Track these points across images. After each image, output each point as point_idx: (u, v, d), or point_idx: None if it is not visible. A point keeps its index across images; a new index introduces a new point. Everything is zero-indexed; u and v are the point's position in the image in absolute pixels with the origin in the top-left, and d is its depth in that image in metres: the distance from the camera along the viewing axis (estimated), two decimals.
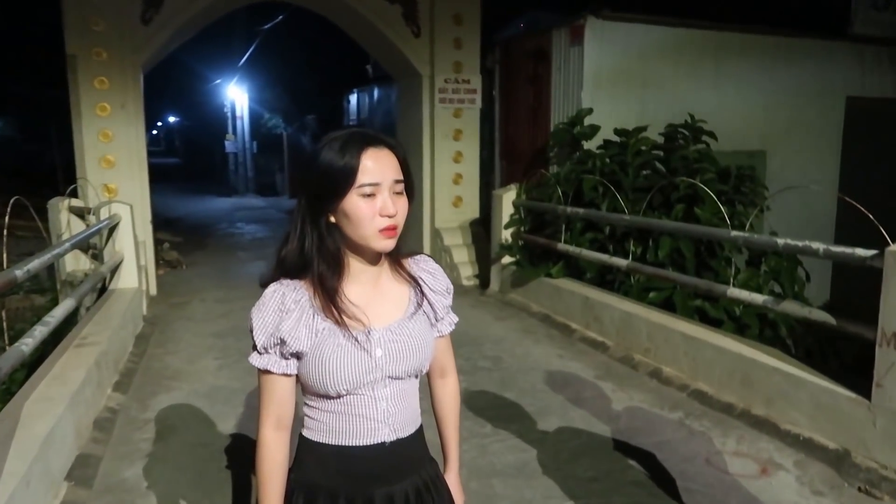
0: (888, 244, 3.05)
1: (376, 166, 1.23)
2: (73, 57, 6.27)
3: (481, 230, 7.66)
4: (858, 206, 3.23)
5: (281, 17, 15.24)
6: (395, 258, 1.37)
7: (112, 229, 5.49)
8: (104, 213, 5.46)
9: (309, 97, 18.46)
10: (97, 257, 5.79)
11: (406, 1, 7.45)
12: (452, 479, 1.52)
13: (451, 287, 1.45)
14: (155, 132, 47.85)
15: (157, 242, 8.47)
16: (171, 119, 39.85)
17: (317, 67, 17.81)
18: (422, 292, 1.38)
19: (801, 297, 4.77)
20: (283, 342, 1.26)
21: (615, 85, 6.83)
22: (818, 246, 3.49)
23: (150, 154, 7.51)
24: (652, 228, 5.03)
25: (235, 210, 16.16)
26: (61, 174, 13.11)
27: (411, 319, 1.35)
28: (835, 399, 3.27)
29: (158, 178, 15.97)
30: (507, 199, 6.59)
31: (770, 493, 2.95)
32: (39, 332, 3.25)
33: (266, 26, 16.29)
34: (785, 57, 7.64)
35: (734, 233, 4.16)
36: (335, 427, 1.30)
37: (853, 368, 4.58)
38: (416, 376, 1.37)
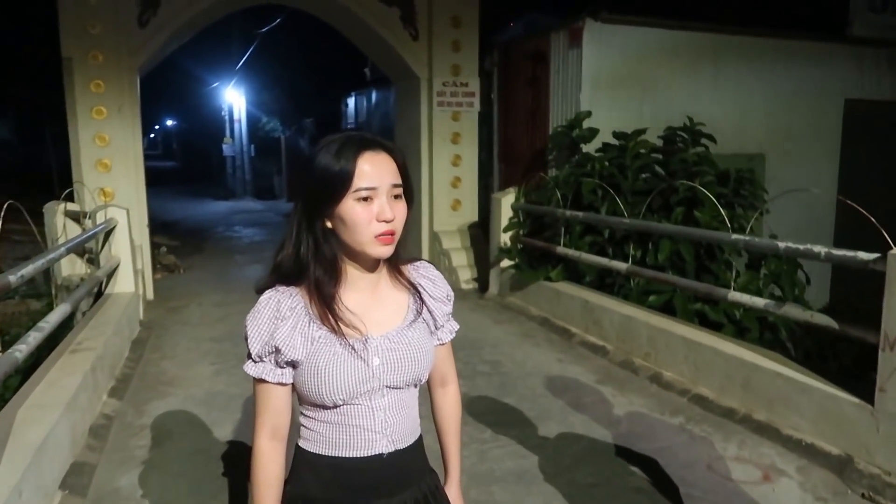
0: (890, 247, 3.02)
1: (373, 170, 1.19)
2: (68, 60, 6.24)
3: (480, 233, 7.63)
4: (860, 209, 3.20)
5: (278, 19, 15.24)
6: (395, 264, 1.34)
7: (108, 233, 5.45)
8: (100, 217, 5.42)
9: (307, 100, 18.45)
10: (93, 262, 5.76)
11: (404, 3, 7.43)
12: (453, 490, 1.49)
13: (452, 294, 1.42)
14: (153, 135, 47.84)
15: (155, 246, 8.43)
16: (169, 122, 39.84)
17: (315, 70, 17.81)
18: (421, 299, 1.35)
19: (802, 300, 4.75)
20: (277, 350, 1.23)
21: (614, 88, 6.82)
22: (820, 249, 3.46)
23: (148, 158, 7.49)
24: (651, 231, 5.00)
25: (233, 213, 16.12)
26: (57, 177, 13.08)
27: (410, 327, 1.31)
28: (837, 404, 3.24)
29: (156, 181, 15.96)
30: (506, 203, 6.57)
31: (772, 499, 2.92)
32: (34, 337, 3.21)
33: (264, 29, 16.29)
34: (783, 59, 7.64)
35: (735, 236, 4.14)
36: (331, 438, 1.27)
37: (852, 370, 4.57)
38: (416, 386, 1.34)
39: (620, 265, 5.17)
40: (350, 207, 1.19)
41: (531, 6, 9.09)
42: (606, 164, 5.89)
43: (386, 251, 1.23)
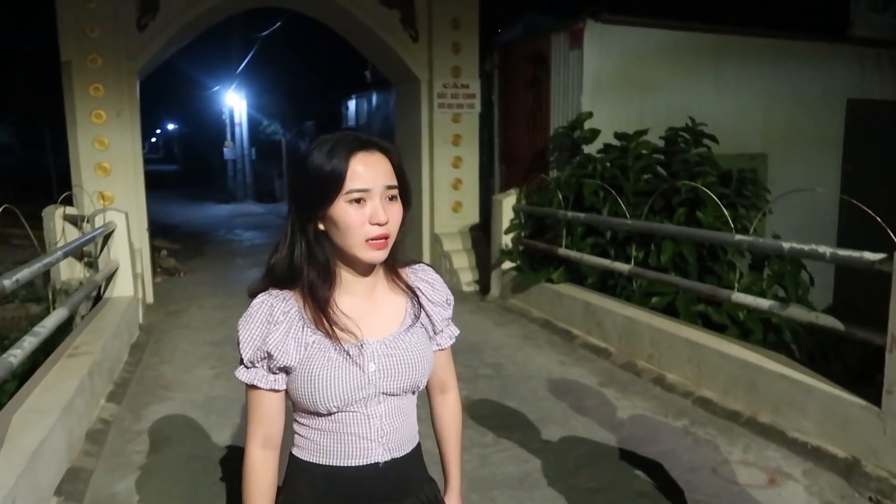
0: (895, 247, 2.98)
1: (367, 171, 1.15)
2: (67, 63, 6.22)
3: (481, 235, 7.60)
4: (867, 209, 3.16)
5: (279, 23, 15.23)
6: (392, 267, 1.30)
7: (107, 237, 5.42)
8: (99, 221, 5.39)
9: (307, 103, 18.46)
10: (92, 266, 5.73)
11: (404, 5, 7.40)
12: (453, 500, 1.45)
13: (452, 298, 1.38)
14: (154, 139, 47.97)
15: (155, 250, 8.40)
16: (171, 126, 39.89)
17: (315, 73, 17.82)
18: (419, 303, 1.31)
19: (806, 301, 4.70)
20: (270, 356, 1.19)
21: (615, 88, 6.79)
22: (825, 250, 3.42)
23: (149, 161, 7.49)
24: (654, 232, 4.96)
25: (234, 216, 16.10)
26: (56, 181, 13.07)
27: (408, 332, 1.27)
28: (843, 406, 3.19)
29: (157, 185, 15.96)
30: (507, 204, 6.53)
31: (779, 503, 2.87)
32: (29, 342, 3.18)
33: (264, 33, 16.28)
34: (785, 59, 7.61)
35: (738, 236, 4.10)
36: (326, 446, 1.23)
37: (857, 371, 4.52)
38: (413, 392, 1.30)
39: (622, 267, 5.13)
40: (342, 209, 1.15)
41: (532, 7, 9.06)
42: (608, 165, 5.86)
43: (377, 256, 1.19)
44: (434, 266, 1.42)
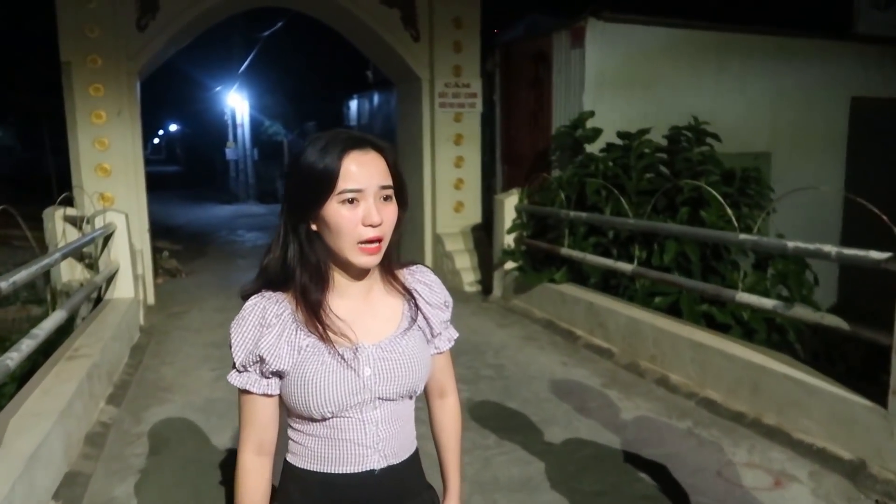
0: None
1: (360, 171, 1.12)
2: (67, 64, 6.20)
3: (483, 235, 7.56)
4: (873, 208, 3.12)
5: (280, 23, 15.22)
6: (388, 269, 1.26)
7: (107, 238, 5.40)
8: (99, 222, 5.37)
9: (309, 103, 18.44)
10: (92, 267, 5.71)
11: (405, 5, 7.38)
12: None
13: (451, 300, 1.34)
14: (157, 141, 48.04)
15: (156, 251, 8.38)
16: (173, 128, 39.90)
17: (317, 73, 17.80)
18: (416, 306, 1.27)
19: (810, 300, 4.66)
20: (262, 360, 1.15)
21: (617, 87, 6.75)
22: (830, 249, 3.38)
23: (152, 162, 7.48)
24: (657, 232, 4.93)
25: (236, 217, 16.08)
26: (56, 182, 13.05)
27: (404, 335, 1.24)
28: (849, 407, 3.16)
29: (159, 186, 15.95)
30: (509, 204, 6.50)
31: None
32: (27, 345, 3.15)
33: (265, 33, 16.27)
34: (788, 57, 7.56)
35: (742, 236, 4.06)
36: (320, 453, 1.20)
37: (860, 371, 4.48)
38: (411, 397, 1.26)
39: (625, 266, 5.09)
40: (334, 210, 1.12)
41: (533, 6, 9.03)
42: (610, 164, 5.82)
43: (368, 262, 1.15)
44: (436, 266, 1.38)
